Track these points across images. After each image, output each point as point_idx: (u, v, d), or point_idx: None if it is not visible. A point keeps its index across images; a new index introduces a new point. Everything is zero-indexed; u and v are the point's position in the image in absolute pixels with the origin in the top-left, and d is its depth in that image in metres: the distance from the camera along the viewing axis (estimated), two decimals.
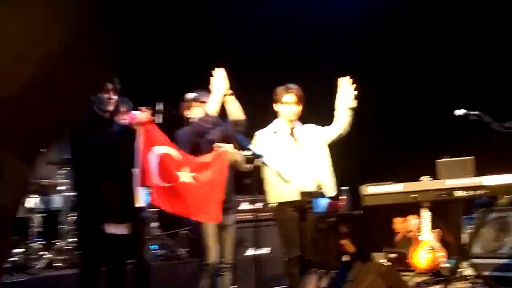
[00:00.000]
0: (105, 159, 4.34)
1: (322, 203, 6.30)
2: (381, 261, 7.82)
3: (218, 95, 4.77)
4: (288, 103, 5.12)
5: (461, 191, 5.60)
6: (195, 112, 5.08)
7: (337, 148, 5.26)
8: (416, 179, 5.99)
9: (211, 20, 8.86)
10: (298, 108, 5.16)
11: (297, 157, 5.06)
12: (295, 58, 8.82)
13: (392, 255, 7.98)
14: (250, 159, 4.61)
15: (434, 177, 5.99)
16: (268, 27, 8.68)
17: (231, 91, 4.89)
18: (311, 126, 5.30)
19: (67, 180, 6.80)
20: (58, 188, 6.88)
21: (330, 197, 5.18)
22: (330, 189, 5.16)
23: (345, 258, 8.65)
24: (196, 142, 4.88)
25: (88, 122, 4.43)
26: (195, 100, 5.04)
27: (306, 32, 8.83)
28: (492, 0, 8.03)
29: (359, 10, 8.73)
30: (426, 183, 5.81)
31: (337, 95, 5.15)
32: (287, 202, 4.97)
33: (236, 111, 4.88)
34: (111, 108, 4.41)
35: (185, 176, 4.52)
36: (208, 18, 8.87)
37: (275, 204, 5.03)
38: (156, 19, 8.66)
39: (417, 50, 8.52)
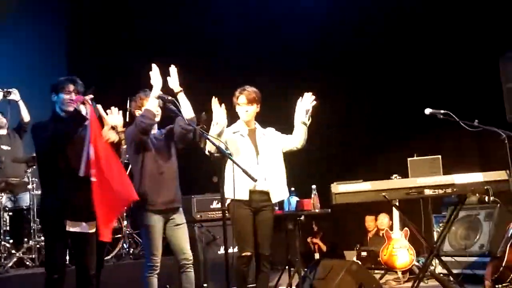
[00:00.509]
0: (57, 150, 4.29)
1: (292, 202, 6.40)
2: (353, 259, 7.86)
3: (156, 91, 4.79)
4: (240, 105, 5.20)
5: (431, 189, 5.63)
6: None
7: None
8: (389, 177, 6.05)
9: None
10: (250, 109, 5.19)
11: (252, 157, 5.12)
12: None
13: (364, 253, 8.02)
14: (217, 157, 4.60)
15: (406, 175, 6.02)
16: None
17: (180, 88, 4.89)
18: (270, 130, 5.38)
19: (35, 179, 6.74)
20: (27, 186, 6.82)
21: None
22: (278, 193, 5.21)
23: (317, 256, 8.70)
24: (141, 140, 4.87)
25: (49, 122, 4.41)
26: (145, 97, 5.00)
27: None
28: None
29: (325, 10, 8.77)
30: (395, 181, 5.84)
31: (296, 109, 5.21)
32: (241, 200, 5.02)
33: (185, 109, 4.87)
34: (71, 109, 4.37)
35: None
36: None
37: (229, 202, 5.05)
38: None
39: (388, 49, 8.57)
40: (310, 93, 5.21)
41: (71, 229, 4.34)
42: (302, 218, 6.59)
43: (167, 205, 4.96)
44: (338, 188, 5.69)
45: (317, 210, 6.44)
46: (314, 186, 6.45)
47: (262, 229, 5.09)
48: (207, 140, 4.79)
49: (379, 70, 8.66)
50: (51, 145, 4.30)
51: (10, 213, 6.72)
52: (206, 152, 4.95)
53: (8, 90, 7.06)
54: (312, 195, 6.44)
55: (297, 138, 5.24)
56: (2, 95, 7.03)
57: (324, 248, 8.97)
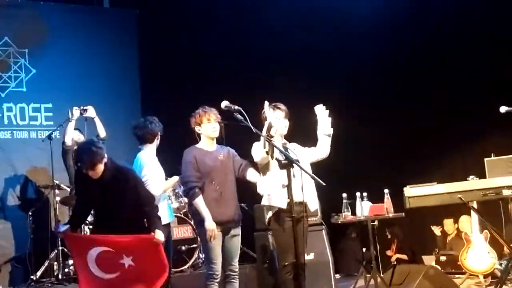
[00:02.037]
0: None
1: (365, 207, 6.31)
2: (431, 263, 7.68)
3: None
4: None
5: (510, 189, 5.44)
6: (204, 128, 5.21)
7: (377, 149, 5.21)
8: (465, 179, 5.88)
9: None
10: (286, 123, 5.22)
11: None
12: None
13: (443, 258, 7.82)
14: (284, 164, 4.59)
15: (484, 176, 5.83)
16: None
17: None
18: (295, 145, 5.35)
19: None
20: None
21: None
22: (313, 204, 5.20)
23: (394, 258, 8.53)
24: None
25: None
26: (204, 113, 5.19)
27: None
28: None
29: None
30: (470, 183, 5.69)
31: (318, 122, 5.20)
32: (282, 210, 4.98)
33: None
34: None
35: (127, 261, 4.65)
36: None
37: (271, 214, 5.06)
38: None
39: (463, 44, 8.31)
40: (321, 105, 5.18)
41: None
42: (376, 223, 6.49)
43: (226, 223, 5.12)
44: (411, 191, 5.59)
45: (390, 215, 6.31)
46: (386, 190, 6.32)
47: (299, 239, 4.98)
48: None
49: (454, 67, 8.42)
50: None
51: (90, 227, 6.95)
52: (258, 159, 4.99)
53: (85, 107, 7.31)
54: (385, 199, 6.31)
55: (323, 150, 5.21)
56: (79, 113, 7.28)
57: (399, 253, 8.73)
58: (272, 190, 5.01)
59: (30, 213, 7.34)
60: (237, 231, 5.24)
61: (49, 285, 6.74)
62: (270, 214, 5.12)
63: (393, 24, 8.51)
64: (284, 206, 4.94)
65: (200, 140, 5.26)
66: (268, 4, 8.79)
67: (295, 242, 4.79)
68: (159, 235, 4.68)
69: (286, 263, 5.00)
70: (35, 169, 8.05)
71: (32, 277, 6.91)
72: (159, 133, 5.50)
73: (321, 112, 5.17)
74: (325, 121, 5.16)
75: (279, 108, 5.22)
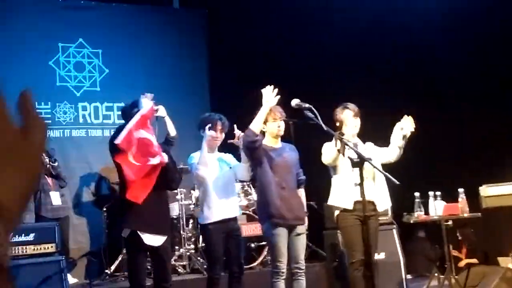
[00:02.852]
0: None
1: (438, 207, 6.17)
2: (509, 265, 7.44)
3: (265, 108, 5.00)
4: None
5: None
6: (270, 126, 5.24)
7: (451, 147, 5.09)
8: None
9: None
10: (358, 122, 5.25)
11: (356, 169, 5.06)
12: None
13: None
14: (356, 163, 4.55)
15: None
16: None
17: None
18: (370, 144, 5.35)
19: (183, 189, 7.08)
20: (176, 197, 7.14)
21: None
22: (383, 203, 5.20)
23: (464, 263, 8.29)
24: (250, 155, 5.16)
25: None
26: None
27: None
28: None
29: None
30: None
31: (395, 129, 5.14)
32: (349, 210, 5.03)
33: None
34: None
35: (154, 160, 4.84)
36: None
37: (338, 213, 5.13)
38: None
39: None
40: (410, 117, 5.10)
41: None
42: (450, 223, 6.34)
43: (293, 221, 5.12)
44: (487, 191, 5.44)
45: (465, 215, 6.15)
46: (461, 189, 6.17)
47: (370, 238, 5.00)
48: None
49: None
50: None
51: None
52: (328, 159, 4.96)
53: (156, 107, 7.42)
54: (460, 199, 6.16)
55: (392, 155, 5.21)
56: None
57: (475, 261, 8.45)
58: (341, 188, 4.99)
59: (105, 209, 7.54)
60: (303, 229, 5.22)
61: (123, 279, 6.89)
62: (337, 212, 5.13)
63: (464, 22, 8.31)
64: (350, 206, 4.95)
65: (264, 137, 5.29)
66: (344, 4, 8.71)
67: (364, 240, 4.77)
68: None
69: (354, 260, 5.03)
70: (108, 167, 8.26)
71: (106, 271, 7.10)
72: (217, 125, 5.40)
73: (406, 125, 5.11)
74: (402, 134, 5.11)
75: (348, 107, 5.20)
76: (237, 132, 5.28)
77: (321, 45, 8.89)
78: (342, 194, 5.05)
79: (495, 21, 8.34)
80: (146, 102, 4.84)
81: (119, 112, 8.64)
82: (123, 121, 8.33)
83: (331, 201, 5.16)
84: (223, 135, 5.42)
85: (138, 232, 4.69)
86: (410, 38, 8.55)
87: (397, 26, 8.59)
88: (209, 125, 5.26)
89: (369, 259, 4.77)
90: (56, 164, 7.44)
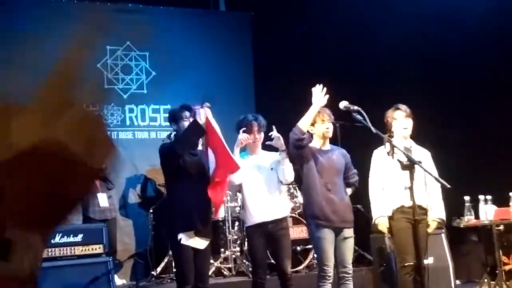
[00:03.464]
0: None
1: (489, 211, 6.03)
2: None
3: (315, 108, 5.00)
4: (398, 119, 5.23)
5: None
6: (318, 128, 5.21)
7: (501, 151, 4.96)
8: None
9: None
10: (410, 124, 5.23)
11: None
12: None
13: None
14: (406, 165, 4.46)
15: None
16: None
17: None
18: (419, 148, 5.30)
19: (229, 192, 7.08)
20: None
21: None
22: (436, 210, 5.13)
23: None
24: (294, 154, 5.14)
25: None
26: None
27: None
28: None
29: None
30: None
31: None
32: (401, 211, 5.01)
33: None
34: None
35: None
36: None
37: (390, 214, 5.07)
38: None
39: None
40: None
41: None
42: (502, 227, 6.18)
43: (339, 223, 5.08)
44: None
45: None
46: None
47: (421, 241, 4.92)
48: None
49: None
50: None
51: None
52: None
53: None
54: (511, 203, 6.01)
55: None
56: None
57: None
58: (391, 191, 4.93)
59: (151, 211, 7.60)
60: (350, 232, 5.16)
61: (169, 281, 6.94)
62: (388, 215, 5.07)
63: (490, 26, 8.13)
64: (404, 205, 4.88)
65: (313, 139, 5.25)
66: (388, 8, 8.60)
67: (415, 243, 4.69)
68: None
69: (406, 264, 4.95)
70: (154, 168, 8.33)
71: (152, 272, 7.16)
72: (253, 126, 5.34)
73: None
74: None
75: (399, 108, 5.14)
76: (274, 133, 5.23)
77: (365, 48, 8.80)
78: (395, 196, 5.00)
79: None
80: (203, 114, 4.83)
81: (166, 114, 8.71)
82: (168, 123, 8.50)
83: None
84: (262, 135, 5.35)
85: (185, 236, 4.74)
86: (462, 38, 8.39)
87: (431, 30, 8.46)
88: (244, 128, 5.23)
89: (420, 263, 4.69)
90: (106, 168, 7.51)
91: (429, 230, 5.11)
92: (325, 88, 5.02)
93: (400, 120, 5.10)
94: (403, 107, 5.15)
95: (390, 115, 5.19)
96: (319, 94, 4.97)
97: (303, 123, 4.96)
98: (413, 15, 8.45)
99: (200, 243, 4.82)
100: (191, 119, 4.84)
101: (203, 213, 4.87)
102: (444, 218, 5.31)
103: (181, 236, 4.73)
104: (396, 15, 8.51)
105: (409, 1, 8.54)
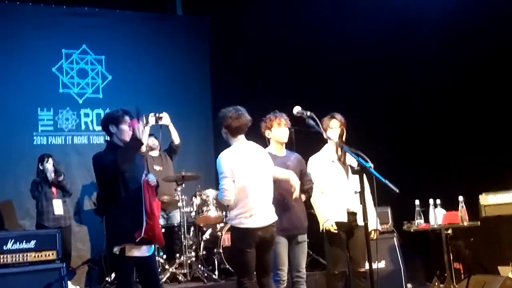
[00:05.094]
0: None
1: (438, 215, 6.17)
2: (508, 275, 7.42)
3: None
4: (332, 128, 5.30)
5: None
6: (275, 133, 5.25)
7: (451, 155, 5.09)
8: None
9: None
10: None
11: (344, 180, 5.22)
12: None
13: None
14: (356, 170, 4.54)
15: None
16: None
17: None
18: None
19: (184, 197, 7.10)
20: (177, 204, 7.14)
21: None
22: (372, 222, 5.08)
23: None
24: None
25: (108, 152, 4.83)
26: (275, 118, 5.21)
27: None
28: None
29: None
30: None
31: None
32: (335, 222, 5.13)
33: None
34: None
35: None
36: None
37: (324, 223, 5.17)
38: None
39: None
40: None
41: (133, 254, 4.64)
42: (450, 232, 6.34)
43: (294, 231, 5.16)
44: (487, 199, 5.43)
45: (465, 223, 6.14)
46: (461, 198, 6.16)
47: (356, 247, 5.16)
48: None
49: None
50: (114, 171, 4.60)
51: (163, 230, 7.05)
52: None
53: (160, 115, 7.41)
54: (460, 207, 6.15)
55: None
56: (154, 120, 7.40)
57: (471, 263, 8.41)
58: (332, 200, 5.06)
59: (105, 217, 7.52)
60: (304, 237, 5.24)
61: None
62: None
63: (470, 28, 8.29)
64: (345, 219, 5.03)
65: (269, 144, 5.29)
66: (344, 12, 8.72)
67: (349, 251, 4.84)
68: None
69: (336, 272, 5.13)
70: None
71: (107, 278, 7.09)
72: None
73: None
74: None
75: (334, 117, 5.26)
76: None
77: (321, 52, 8.90)
78: (333, 206, 5.11)
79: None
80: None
81: None
82: None
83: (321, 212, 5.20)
84: None
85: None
86: (401, 47, 8.54)
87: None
88: None
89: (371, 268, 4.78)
90: (62, 178, 7.43)
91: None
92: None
93: (335, 129, 5.24)
94: (338, 116, 5.29)
95: (326, 123, 5.30)
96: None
97: None
98: (370, 21, 8.59)
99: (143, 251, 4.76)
100: (130, 129, 4.77)
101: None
102: (380, 228, 5.47)
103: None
104: (352, 20, 8.63)
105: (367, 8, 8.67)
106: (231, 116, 4.74)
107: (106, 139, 4.97)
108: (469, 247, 8.28)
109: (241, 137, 4.81)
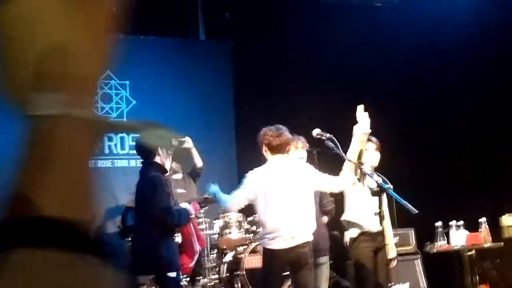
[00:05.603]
0: None
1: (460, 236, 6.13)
2: None
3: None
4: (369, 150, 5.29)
5: None
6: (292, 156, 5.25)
7: (473, 176, 5.07)
8: None
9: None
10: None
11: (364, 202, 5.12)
12: None
13: None
14: (376, 192, 4.57)
15: None
16: None
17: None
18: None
19: (207, 219, 7.15)
20: (200, 226, 7.18)
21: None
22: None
23: None
24: None
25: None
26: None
27: None
28: None
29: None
30: None
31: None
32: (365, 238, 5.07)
33: None
34: None
35: None
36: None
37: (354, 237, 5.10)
38: None
39: None
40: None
41: None
42: (473, 253, 6.28)
43: (314, 253, 5.07)
44: (509, 220, 5.39)
45: (488, 244, 6.10)
46: (483, 219, 6.13)
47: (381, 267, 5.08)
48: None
49: None
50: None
51: None
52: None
53: (182, 139, 7.48)
54: (482, 228, 6.12)
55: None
56: (178, 144, 7.47)
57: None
58: (360, 217, 5.01)
59: (129, 239, 7.58)
60: (324, 259, 5.22)
61: None
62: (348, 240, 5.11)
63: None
64: (374, 229, 4.94)
65: None
66: (365, 35, 8.78)
67: (376, 272, 4.77)
68: None
69: None
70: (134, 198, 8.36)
71: None
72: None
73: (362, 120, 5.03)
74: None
75: (371, 140, 5.23)
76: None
77: (340, 76, 8.95)
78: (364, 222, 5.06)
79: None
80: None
81: None
82: None
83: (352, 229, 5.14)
84: None
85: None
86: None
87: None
88: None
89: None
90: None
91: (390, 256, 5.15)
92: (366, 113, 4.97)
93: (371, 152, 5.20)
94: (374, 139, 5.26)
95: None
96: (362, 120, 4.92)
97: (351, 155, 4.93)
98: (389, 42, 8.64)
99: None
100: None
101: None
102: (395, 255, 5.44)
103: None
104: (375, 45, 8.70)
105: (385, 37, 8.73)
106: (272, 134, 4.74)
107: (148, 160, 4.93)
108: (496, 268, 8.20)
109: (279, 156, 4.76)
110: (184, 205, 5.18)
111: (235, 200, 4.73)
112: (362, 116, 5.00)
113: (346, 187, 4.82)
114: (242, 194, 4.69)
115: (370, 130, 4.98)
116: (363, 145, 5.00)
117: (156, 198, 4.61)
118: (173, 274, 4.65)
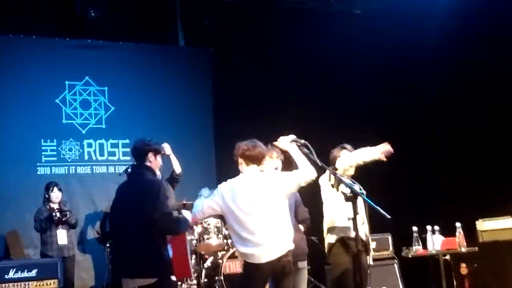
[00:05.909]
0: None
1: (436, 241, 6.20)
2: None
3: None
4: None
5: None
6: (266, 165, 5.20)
7: (449, 181, 5.13)
8: None
9: None
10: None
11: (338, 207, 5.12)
12: None
13: None
14: (349, 197, 4.60)
15: None
16: None
17: None
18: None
19: None
20: None
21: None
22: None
23: None
24: None
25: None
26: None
27: None
28: None
29: None
30: None
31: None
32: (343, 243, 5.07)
33: None
34: None
35: None
36: None
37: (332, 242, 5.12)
38: None
39: None
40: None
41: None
42: (448, 257, 6.36)
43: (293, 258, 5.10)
44: (484, 225, 5.46)
45: (463, 249, 6.17)
46: (458, 224, 6.20)
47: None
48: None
49: None
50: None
51: None
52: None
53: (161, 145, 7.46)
54: (457, 233, 6.19)
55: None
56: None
57: None
58: (338, 223, 5.05)
59: (108, 245, 7.58)
60: (303, 264, 5.26)
61: None
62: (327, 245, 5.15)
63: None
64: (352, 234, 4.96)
65: None
66: (346, 45, 8.86)
67: (359, 274, 4.78)
68: None
69: None
70: None
71: None
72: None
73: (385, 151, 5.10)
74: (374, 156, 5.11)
75: (345, 148, 5.29)
76: None
77: (325, 83, 9.03)
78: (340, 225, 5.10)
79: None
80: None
81: (124, 149, 8.78)
82: (128, 158, 8.54)
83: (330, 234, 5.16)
84: None
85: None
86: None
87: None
88: None
89: None
90: (68, 216, 7.43)
91: (369, 262, 5.16)
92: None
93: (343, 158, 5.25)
94: (348, 146, 5.31)
95: (336, 152, 5.34)
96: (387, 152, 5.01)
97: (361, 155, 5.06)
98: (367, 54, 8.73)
99: None
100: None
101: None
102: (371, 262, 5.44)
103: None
104: (354, 53, 8.77)
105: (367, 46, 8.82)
106: (247, 145, 4.74)
107: (137, 164, 4.88)
108: (472, 273, 8.29)
109: (254, 167, 4.75)
110: (185, 213, 5.17)
111: (199, 208, 4.74)
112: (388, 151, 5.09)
113: (308, 177, 4.76)
114: (208, 203, 4.69)
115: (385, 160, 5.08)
116: (370, 161, 5.11)
117: (158, 201, 4.56)
118: (174, 278, 4.63)
